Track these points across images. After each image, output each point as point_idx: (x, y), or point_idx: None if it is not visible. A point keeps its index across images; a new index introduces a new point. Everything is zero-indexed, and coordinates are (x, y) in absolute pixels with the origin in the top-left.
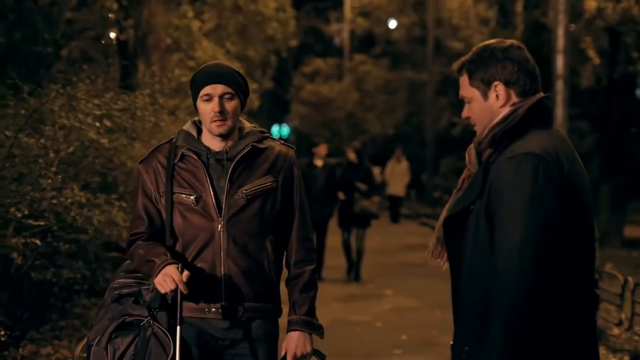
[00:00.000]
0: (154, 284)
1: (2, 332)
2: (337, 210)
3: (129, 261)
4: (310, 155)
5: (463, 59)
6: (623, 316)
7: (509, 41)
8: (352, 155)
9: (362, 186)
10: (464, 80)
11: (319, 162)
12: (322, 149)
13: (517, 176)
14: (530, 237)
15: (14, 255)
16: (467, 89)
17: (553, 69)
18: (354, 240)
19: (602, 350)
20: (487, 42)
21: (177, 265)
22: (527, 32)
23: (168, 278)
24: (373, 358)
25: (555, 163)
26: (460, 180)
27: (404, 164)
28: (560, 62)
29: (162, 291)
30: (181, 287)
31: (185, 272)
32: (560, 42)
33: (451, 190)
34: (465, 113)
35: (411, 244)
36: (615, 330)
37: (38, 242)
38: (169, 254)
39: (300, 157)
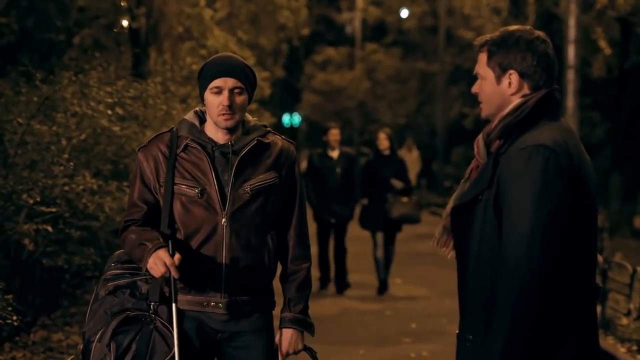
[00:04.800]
0: (146, 269)
1: (14, 318)
2: (361, 212)
3: (120, 251)
4: (323, 145)
5: (488, 36)
6: (632, 306)
7: (536, 32)
8: (384, 144)
9: (397, 184)
10: (482, 57)
11: (334, 153)
12: (334, 135)
13: (527, 167)
14: (539, 228)
15: (26, 241)
16: (483, 68)
17: (564, 59)
18: (380, 246)
19: (611, 340)
20: (516, 27)
21: (167, 247)
22: (539, 21)
23: (159, 261)
24: (383, 346)
25: (566, 155)
26: (467, 171)
27: (415, 153)
28: (571, 52)
29: (156, 275)
30: (172, 271)
31: (177, 255)
32: (572, 32)
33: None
34: (475, 88)
35: (421, 233)
36: (624, 320)
37: (50, 228)
38: (161, 237)
39: (312, 146)
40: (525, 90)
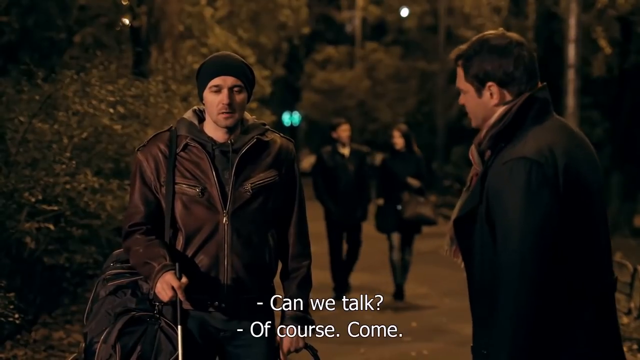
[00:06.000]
0: (154, 292)
1: (16, 316)
2: (377, 212)
3: (119, 250)
4: (332, 142)
5: (461, 48)
6: (632, 305)
7: (509, 36)
8: (399, 141)
9: (414, 182)
10: (459, 72)
11: (345, 150)
12: (345, 130)
13: (510, 181)
14: (527, 240)
15: (27, 239)
16: (462, 83)
17: (564, 58)
18: (397, 249)
19: None
20: (486, 34)
21: (174, 271)
22: (539, 20)
23: (167, 286)
24: (383, 344)
25: (550, 163)
26: (468, 179)
27: None
28: (571, 51)
29: (163, 300)
30: (180, 294)
31: (184, 279)
32: (572, 31)
33: (461, 178)
34: (461, 100)
35: (422, 231)
36: (625, 319)
37: (51, 227)
38: (167, 255)
39: (312, 145)
40: (508, 97)
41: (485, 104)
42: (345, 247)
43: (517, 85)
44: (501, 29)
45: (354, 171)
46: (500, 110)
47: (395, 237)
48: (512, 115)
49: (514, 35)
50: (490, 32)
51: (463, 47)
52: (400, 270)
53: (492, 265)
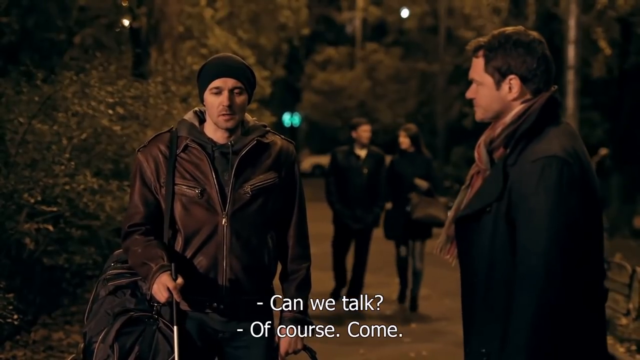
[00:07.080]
0: (151, 292)
1: (15, 317)
2: (385, 216)
3: (119, 251)
4: (350, 142)
5: (482, 40)
6: (631, 306)
7: (531, 33)
8: (405, 142)
9: (422, 184)
10: (478, 63)
11: (361, 152)
12: (366, 131)
13: (541, 181)
14: (555, 242)
15: (27, 240)
16: (479, 74)
17: (564, 60)
18: (407, 256)
19: (610, 340)
20: (509, 29)
21: (170, 272)
22: (539, 22)
23: (162, 287)
24: (383, 346)
25: (577, 163)
26: (468, 177)
27: None
28: (571, 52)
29: (160, 300)
30: (175, 295)
31: (179, 280)
32: (572, 32)
33: (462, 179)
34: (471, 94)
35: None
36: (624, 320)
37: (50, 227)
38: (165, 256)
39: (312, 146)
40: (527, 95)
41: (502, 98)
42: (352, 252)
43: (537, 83)
44: (521, 26)
45: (368, 175)
46: (518, 108)
47: (404, 246)
48: (537, 113)
49: (534, 33)
50: (510, 28)
51: (483, 39)
52: (412, 279)
53: (506, 267)
